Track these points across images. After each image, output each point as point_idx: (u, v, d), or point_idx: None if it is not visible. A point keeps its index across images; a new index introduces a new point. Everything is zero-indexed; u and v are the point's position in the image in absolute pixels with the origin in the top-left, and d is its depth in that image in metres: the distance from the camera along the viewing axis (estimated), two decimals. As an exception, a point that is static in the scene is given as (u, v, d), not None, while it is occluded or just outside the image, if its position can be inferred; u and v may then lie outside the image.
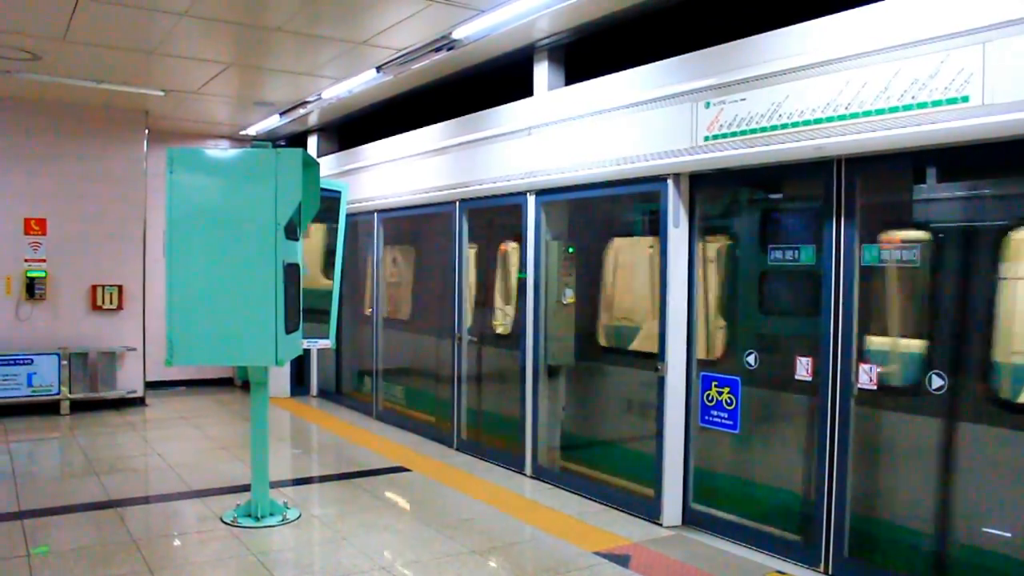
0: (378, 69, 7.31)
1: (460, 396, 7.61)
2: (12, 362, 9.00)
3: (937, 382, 4.09)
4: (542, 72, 6.59)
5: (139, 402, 9.91)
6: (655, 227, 5.54)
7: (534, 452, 6.61)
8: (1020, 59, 3.48)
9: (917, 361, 4.33)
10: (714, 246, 5.47)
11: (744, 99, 4.68)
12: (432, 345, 8.40)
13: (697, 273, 5.39)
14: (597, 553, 4.89)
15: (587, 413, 6.70)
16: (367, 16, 5.96)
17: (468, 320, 7.59)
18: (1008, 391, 4.04)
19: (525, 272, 6.62)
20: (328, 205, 6.09)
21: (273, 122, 10.06)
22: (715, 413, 5.21)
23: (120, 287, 9.73)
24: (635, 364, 6.10)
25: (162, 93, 8.68)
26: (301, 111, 9.25)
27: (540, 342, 6.55)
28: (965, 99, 3.67)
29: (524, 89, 6.73)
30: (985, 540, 4.07)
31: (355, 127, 10.10)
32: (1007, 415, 4.02)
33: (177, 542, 5.13)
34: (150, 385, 10.17)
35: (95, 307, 9.61)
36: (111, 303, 9.67)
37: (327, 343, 6.40)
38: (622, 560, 4.78)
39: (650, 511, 5.50)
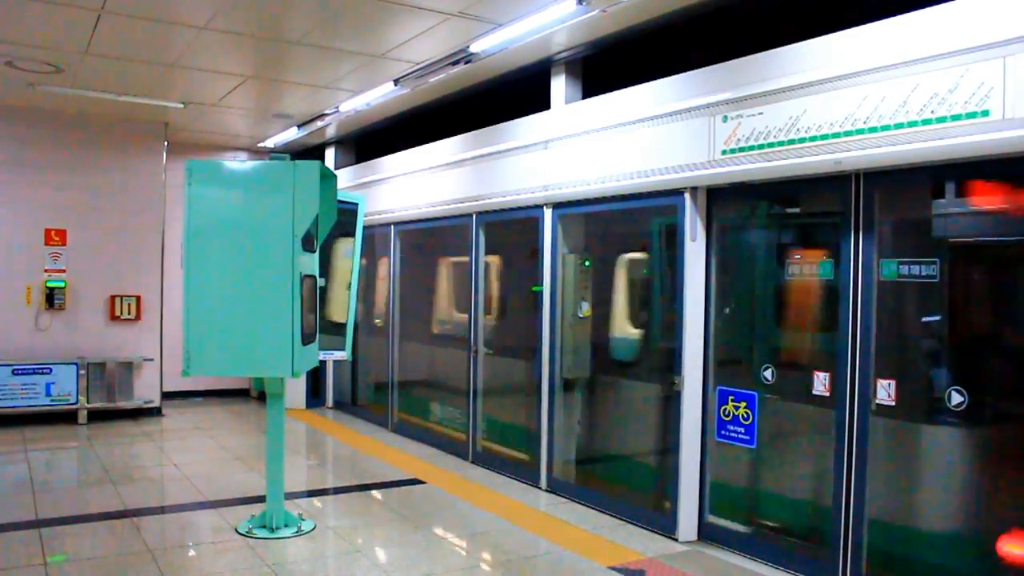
0: (396, 82, 7.35)
1: (476, 409, 7.60)
2: (31, 371, 9.07)
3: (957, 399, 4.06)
4: (559, 85, 6.60)
5: (156, 412, 9.96)
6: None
7: (549, 465, 6.58)
8: (1041, 73, 3.46)
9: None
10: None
11: (762, 113, 4.67)
12: (447, 357, 8.40)
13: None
14: (612, 568, 4.85)
15: (603, 427, 6.67)
16: (385, 29, 6.00)
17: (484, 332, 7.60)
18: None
19: (541, 285, 6.62)
20: (345, 217, 6.12)
21: (291, 134, 10.13)
22: (731, 428, 5.17)
23: (138, 297, 9.80)
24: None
25: (182, 105, 8.77)
26: (319, 123, 9.31)
27: (556, 355, 6.54)
28: (985, 113, 3.64)
29: (541, 102, 6.74)
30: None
31: (372, 140, 10.15)
32: None
33: (192, 552, 5.14)
34: (167, 395, 10.23)
35: (113, 317, 9.69)
36: (129, 313, 9.75)
37: (343, 355, 6.40)
38: (637, 575, 4.75)
39: (665, 526, 5.46)
